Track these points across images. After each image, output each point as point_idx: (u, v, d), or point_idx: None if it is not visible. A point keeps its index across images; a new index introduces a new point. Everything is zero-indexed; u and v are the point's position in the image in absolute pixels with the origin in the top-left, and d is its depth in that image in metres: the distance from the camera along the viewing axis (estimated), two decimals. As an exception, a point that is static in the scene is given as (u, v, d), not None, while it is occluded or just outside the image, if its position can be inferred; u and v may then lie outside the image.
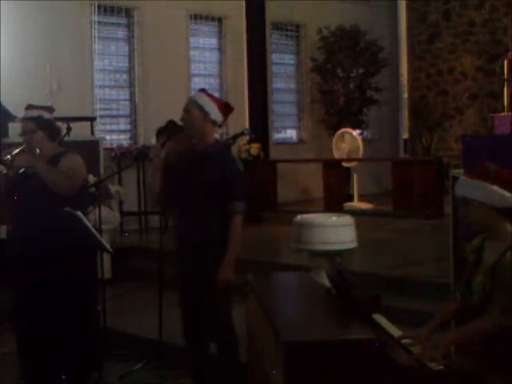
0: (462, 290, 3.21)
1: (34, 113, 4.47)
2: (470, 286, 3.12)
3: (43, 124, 4.44)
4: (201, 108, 4.18)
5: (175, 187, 4.21)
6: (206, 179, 4.10)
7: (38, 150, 4.42)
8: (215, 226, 4.14)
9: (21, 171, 4.36)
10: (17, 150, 4.41)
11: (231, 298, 4.21)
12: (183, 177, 4.19)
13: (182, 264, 4.26)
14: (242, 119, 10.99)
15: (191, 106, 4.20)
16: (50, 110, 4.63)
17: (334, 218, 5.61)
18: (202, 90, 4.36)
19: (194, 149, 4.24)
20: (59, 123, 4.69)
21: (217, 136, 4.41)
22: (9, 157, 4.36)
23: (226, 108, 4.32)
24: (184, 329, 4.34)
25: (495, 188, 3.02)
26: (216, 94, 11.27)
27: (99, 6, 9.95)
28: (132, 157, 9.67)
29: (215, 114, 4.22)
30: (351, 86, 11.84)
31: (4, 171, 4.36)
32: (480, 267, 3.11)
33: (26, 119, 4.48)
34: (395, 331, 3.18)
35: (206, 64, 11.33)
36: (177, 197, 4.23)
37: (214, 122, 4.24)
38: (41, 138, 4.43)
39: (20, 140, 4.52)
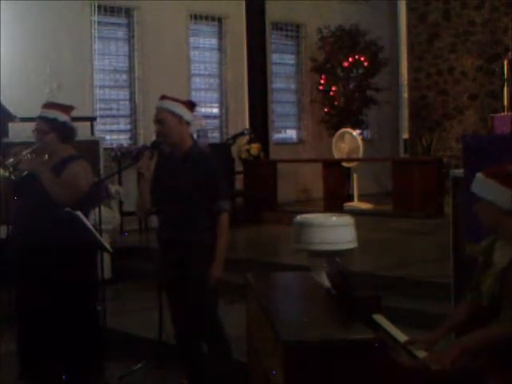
0: (472, 292, 3.19)
1: (51, 113, 4.42)
2: (480, 289, 3.10)
3: (56, 126, 4.40)
4: (173, 113, 4.15)
5: (160, 190, 4.20)
6: (190, 181, 4.10)
7: (46, 156, 4.40)
8: (203, 225, 4.14)
9: (24, 174, 4.34)
10: (29, 149, 4.38)
11: (218, 297, 4.23)
12: (168, 180, 4.18)
13: (167, 266, 4.26)
14: (242, 119, 11.00)
15: (163, 115, 4.15)
16: (67, 109, 4.56)
17: (334, 218, 5.60)
18: (164, 97, 4.30)
19: (175, 152, 4.22)
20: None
21: (194, 135, 4.40)
22: (11, 160, 4.34)
23: (191, 106, 4.31)
24: (176, 330, 4.35)
25: (505, 189, 2.98)
26: (216, 94, 11.33)
27: (99, 6, 9.96)
28: (132, 157, 9.66)
29: (187, 115, 4.21)
30: (351, 86, 11.84)
31: (6, 174, 4.34)
32: (490, 269, 3.09)
33: (40, 118, 4.45)
34: (396, 332, 3.18)
35: (206, 64, 11.34)
36: (163, 200, 4.23)
37: (187, 123, 4.23)
38: (52, 140, 4.40)
39: (20, 139, 4.50)
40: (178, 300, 4.25)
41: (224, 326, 4.25)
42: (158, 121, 4.17)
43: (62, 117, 4.44)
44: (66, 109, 4.55)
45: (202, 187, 4.10)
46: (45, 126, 4.39)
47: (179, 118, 4.16)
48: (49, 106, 4.52)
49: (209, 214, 4.14)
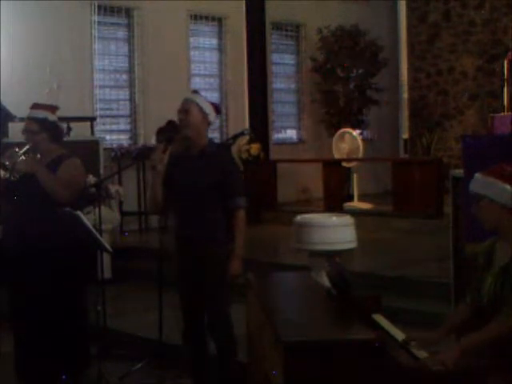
0: (472, 293, 3.20)
1: (40, 113, 4.45)
2: (481, 289, 3.11)
3: (47, 126, 4.42)
4: (201, 109, 4.21)
5: (176, 187, 4.22)
6: (208, 179, 4.14)
7: (38, 156, 4.42)
8: (218, 223, 4.18)
9: (21, 174, 4.35)
10: (23, 150, 4.39)
11: (231, 296, 4.24)
12: (184, 177, 4.20)
13: (183, 263, 4.26)
14: (241, 119, 11.00)
15: (191, 107, 4.20)
16: (53, 108, 4.59)
17: (334, 218, 5.61)
18: (196, 91, 4.39)
19: (190, 149, 4.25)
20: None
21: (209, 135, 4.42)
22: (7, 163, 4.35)
23: (217, 110, 4.36)
24: (184, 328, 4.35)
25: (507, 187, 3.01)
26: (216, 94, 11.32)
27: (99, 6, 9.95)
28: (132, 157, 9.67)
29: (212, 115, 4.27)
30: (351, 86, 11.84)
31: (7, 176, 4.36)
32: (490, 269, 3.10)
33: (30, 119, 4.46)
34: (395, 331, 3.18)
35: (206, 64, 11.33)
36: (177, 197, 4.24)
37: (209, 124, 4.27)
38: (43, 140, 4.42)
39: (20, 139, 4.51)
40: (194, 297, 4.25)
41: (233, 326, 4.26)
42: (185, 111, 4.20)
43: (51, 116, 4.47)
44: (53, 109, 4.59)
45: (219, 184, 4.13)
46: (35, 126, 4.42)
47: (205, 114, 4.21)
48: (37, 106, 4.55)
49: (225, 210, 4.16)
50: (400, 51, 13.20)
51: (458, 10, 12.37)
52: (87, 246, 4.49)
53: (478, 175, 3.14)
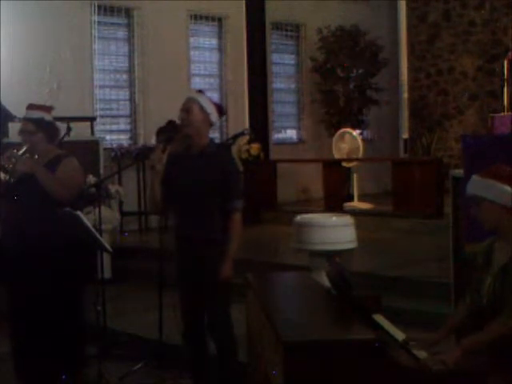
0: (471, 293, 3.20)
1: (36, 113, 4.45)
2: (480, 289, 3.11)
3: (44, 126, 4.43)
4: (202, 109, 4.20)
5: (175, 187, 4.22)
6: (207, 179, 4.14)
7: (36, 156, 4.42)
8: (217, 223, 4.18)
9: (20, 174, 4.35)
10: (21, 151, 4.40)
11: (231, 296, 4.24)
12: (183, 177, 4.20)
13: (182, 263, 4.27)
14: (241, 119, 11.00)
15: (192, 106, 4.20)
16: (49, 109, 4.60)
17: (334, 218, 5.60)
18: (201, 91, 4.39)
19: (191, 149, 4.25)
20: (59, 123, 4.68)
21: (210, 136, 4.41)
22: (7, 165, 4.35)
23: (220, 111, 4.35)
24: (184, 328, 4.35)
25: (506, 188, 3.02)
26: (216, 94, 11.32)
27: (99, 6, 9.96)
28: (132, 157, 9.68)
29: (214, 116, 4.26)
30: (351, 86, 11.84)
31: (7, 178, 4.36)
32: (489, 269, 3.10)
33: (26, 119, 4.47)
34: (396, 331, 3.18)
35: (206, 64, 11.34)
36: (177, 196, 4.24)
37: (210, 124, 4.27)
38: (40, 140, 4.43)
39: (19, 140, 4.51)
40: (194, 297, 4.25)
41: (233, 327, 4.26)
42: (186, 109, 4.20)
43: (48, 116, 4.47)
44: (49, 109, 4.60)
45: (218, 184, 4.13)
46: (32, 127, 4.42)
47: (206, 114, 4.21)
48: (33, 107, 4.56)
49: (222, 212, 4.16)
50: (400, 51, 13.20)
51: (458, 10, 12.37)
52: (87, 246, 4.49)
53: (475, 177, 3.14)
